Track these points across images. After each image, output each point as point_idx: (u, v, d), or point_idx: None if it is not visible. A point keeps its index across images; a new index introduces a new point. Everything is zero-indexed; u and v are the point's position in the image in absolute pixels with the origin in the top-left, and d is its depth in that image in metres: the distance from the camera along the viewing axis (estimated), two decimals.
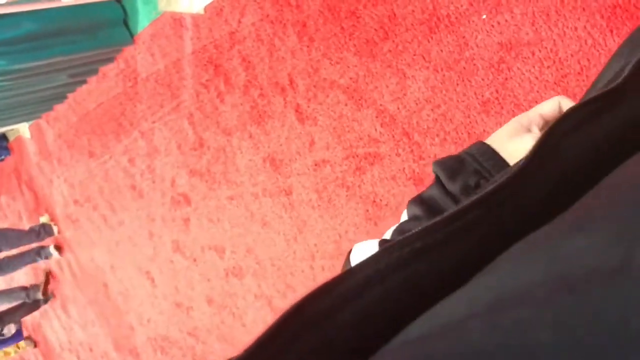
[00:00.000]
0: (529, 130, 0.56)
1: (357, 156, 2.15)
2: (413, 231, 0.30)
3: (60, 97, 4.07)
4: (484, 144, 0.56)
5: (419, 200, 0.54)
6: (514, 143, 0.55)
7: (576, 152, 0.35)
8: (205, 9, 2.62)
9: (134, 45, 3.24)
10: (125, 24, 3.19)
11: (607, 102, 0.36)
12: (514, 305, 0.21)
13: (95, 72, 3.61)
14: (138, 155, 3.60)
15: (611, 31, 1.41)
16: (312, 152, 2.33)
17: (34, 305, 5.68)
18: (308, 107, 2.28)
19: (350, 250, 0.53)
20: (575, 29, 1.46)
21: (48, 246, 5.28)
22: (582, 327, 0.19)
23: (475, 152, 0.55)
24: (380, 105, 2.00)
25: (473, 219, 0.31)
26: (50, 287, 5.82)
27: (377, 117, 2.03)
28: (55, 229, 5.24)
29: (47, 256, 5.27)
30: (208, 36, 2.67)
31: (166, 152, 3.30)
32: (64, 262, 5.32)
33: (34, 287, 5.66)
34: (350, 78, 2.08)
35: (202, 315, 3.49)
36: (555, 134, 0.34)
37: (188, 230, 3.34)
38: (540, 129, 0.57)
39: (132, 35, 3.21)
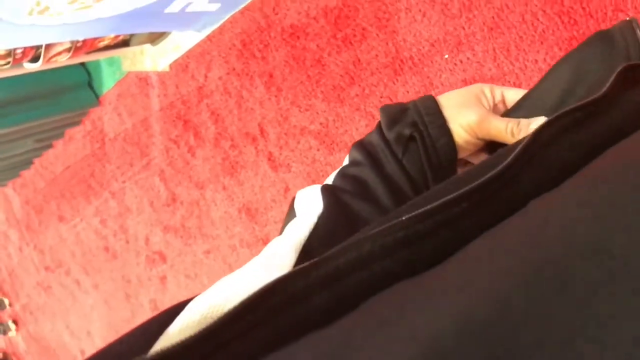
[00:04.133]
0: (479, 100, 0.57)
1: None
2: (395, 221, 0.31)
3: (27, 163, 4.01)
4: (433, 99, 0.56)
5: (360, 145, 0.55)
6: (461, 112, 0.56)
7: (558, 159, 0.36)
8: (171, 66, 2.64)
9: (100, 106, 3.23)
10: (90, 86, 3.18)
11: (589, 111, 0.37)
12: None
13: (61, 135, 3.57)
14: (109, 216, 3.55)
15: None
16: (287, 199, 2.33)
17: None
18: (280, 154, 2.29)
19: (294, 197, 0.52)
20: (536, 61, 1.52)
21: (6, 322, 5.12)
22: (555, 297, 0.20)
23: (420, 105, 0.56)
24: None
25: (456, 214, 0.31)
26: None
27: None
28: (6, 301, 5.11)
29: (6, 331, 5.12)
30: (175, 92, 2.68)
31: (138, 211, 3.26)
32: (34, 332, 5.14)
33: None
34: (320, 123, 2.11)
35: None
36: (539, 140, 0.35)
37: (165, 288, 3.28)
38: (492, 104, 0.58)
39: (97, 96, 3.21)
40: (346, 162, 0.57)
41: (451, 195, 0.31)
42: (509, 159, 0.33)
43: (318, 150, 2.14)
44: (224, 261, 2.77)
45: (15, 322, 5.22)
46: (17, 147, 3.45)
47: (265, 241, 2.50)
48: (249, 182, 2.47)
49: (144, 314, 3.55)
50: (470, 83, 1.65)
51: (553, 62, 1.50)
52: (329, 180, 0.55)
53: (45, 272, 4.66)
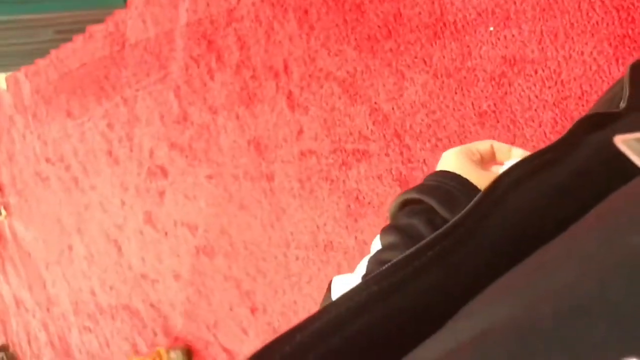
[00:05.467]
0: (475, 160, 0.58)
1: (345, 151, 2.13)
2: (371, 275, 0.32)
3: (43, 52, 3.96)
4: (455, 174, 0.56)
5: (395, 229, 0.53)
6: (482, 175, 0.56)
7: (520, 205, 0.36)
8: None
9: (126, 9, 3.15)
10: None
11: (547, 158, 0.39)
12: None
13: (82, 30, 3.51)
14: (118, 121, 3.52)
15: (617, 60, 1.41)
16: (299, 141, 2.31)
17: None
18: (300, 95, 2.25)
19: (330, 283, 0.52)
20: (582, 53, 1.46)
21: None
22: None
23: (450, 181, 0.55)
24: (375, 103, 1.99)
25: (428, 260, 0.32)
26: None
27: (370, 114, 2.01)
28: None
29: None
30: (205, 10, 2.61)
31: (147, 122, 3.24)
32: (27, 219, 5.21)
33: None
34: (347, 72, 2.06)
35: (167, 290, 3.46)
36: (508, 178, 0.37)
37: (162, 203, 3.29)
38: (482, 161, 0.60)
39: None
40: (377, 246, 0.54)
41: (421, 243, 0.33)
42: (462, 212, 0.34)
43: (340, 98, 2.10)
44: (224, 189, 2.77)
45: (6, 206, 5.30)
46: (36, 34, 3.40)
47: (270, 178, 2.49)
48: (264, 116, 2.44)
49: (137, 223, 3.59)
50: (510, 62, 1.60)
51: (599, 57, 1.45)
52: (362, 267, 0.52)
53: (45, 163, 4.67)
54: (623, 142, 0.28)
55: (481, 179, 0.56)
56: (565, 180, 0.38)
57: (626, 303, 0.20)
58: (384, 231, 0.54)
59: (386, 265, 0.32)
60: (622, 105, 0.46)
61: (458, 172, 0.56)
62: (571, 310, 0.21)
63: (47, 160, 4.64)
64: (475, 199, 0.35)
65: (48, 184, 4.71)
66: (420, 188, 0.55)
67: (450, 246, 0.33)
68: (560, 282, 0.24)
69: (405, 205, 0.56)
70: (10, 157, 5.35)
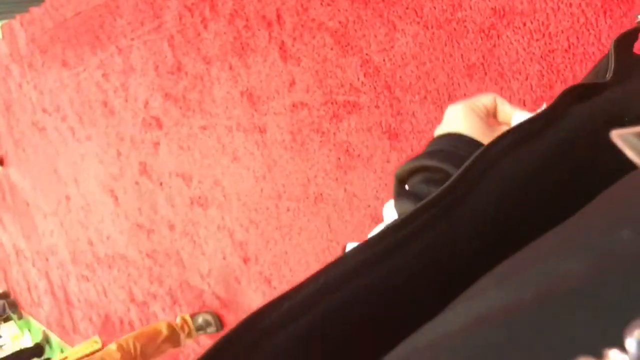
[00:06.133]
0: (483, 117, 0.56)
1: (336, 103, 2.14)
2: (359, 243, 0.32)
3: (38, 0, 3.91)
4: (470, 139, 0.53)
5: (415, 198, 0.50)
6: (489, 134, 0.54)
7: (515, 167, 0.37)
8: None
9: None
10: None
11: (536, 126, 0.39)
12: (484, 328, 0.23)
13: None
14: (113, 71, 3.51)
15: (605, 13, 1.41)
16: (291, 92, 2.31)
17: None
18: (293, 46, 2.24)
19: (344, 247, 0.49)
20: (570, 5, 1.46)
21: None
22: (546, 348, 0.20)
23: (471, 149, 0.51)
24: (366, 54, 1.98)
25: (415, 230, 0.33)
26: None
27: (361, 66, 2.01)
28: None
29: None
30: None
31: (142, 72, 3.23)
32: (24, 169, 5.24)
33: None
34: (340, 22, 2.05)
35: (163, 240, 3.51)
36: (495, 148, 0.37)
37: (157, 154, 3.31)
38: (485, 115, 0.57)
39: None
40: (391, 213, 0.52)
41: (408, 213, 0.33)
42: (448, 182, 0.34)
43: (332, 49, 2.10)
44: (218, 140, 2.78)
45: (4, 156, 5.33)
46: None
47: (262, 130, 2.50)
48: (256, 67, 2.43)
49: (132, 174, 3.62)
50: (499, 14, 1.60)
51: (587, 10, 1.44)
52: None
53: (42, 113, 4.67)
54: (619, 136, 0.27)
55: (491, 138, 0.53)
56: (550, 151, 0.38)
57: (611, 295, 0.20)
58: (401, 198, 0.51)
59: (378, 232, 0.32)
60: (608, 76, 0.47)
61: (469, 133, 0.53)
62: (556, 299, 0.21)
63: (44, 110, 4.63)
64: (461, 168, 0.35)
65: (45, 134, 4.72)
66: (437, 155, 0.52)
67: (440, 214, 0.34)
68: (552, 270, 0.24)
69: (417, 171, 0.53)
70: (8, 107, 5.34)
